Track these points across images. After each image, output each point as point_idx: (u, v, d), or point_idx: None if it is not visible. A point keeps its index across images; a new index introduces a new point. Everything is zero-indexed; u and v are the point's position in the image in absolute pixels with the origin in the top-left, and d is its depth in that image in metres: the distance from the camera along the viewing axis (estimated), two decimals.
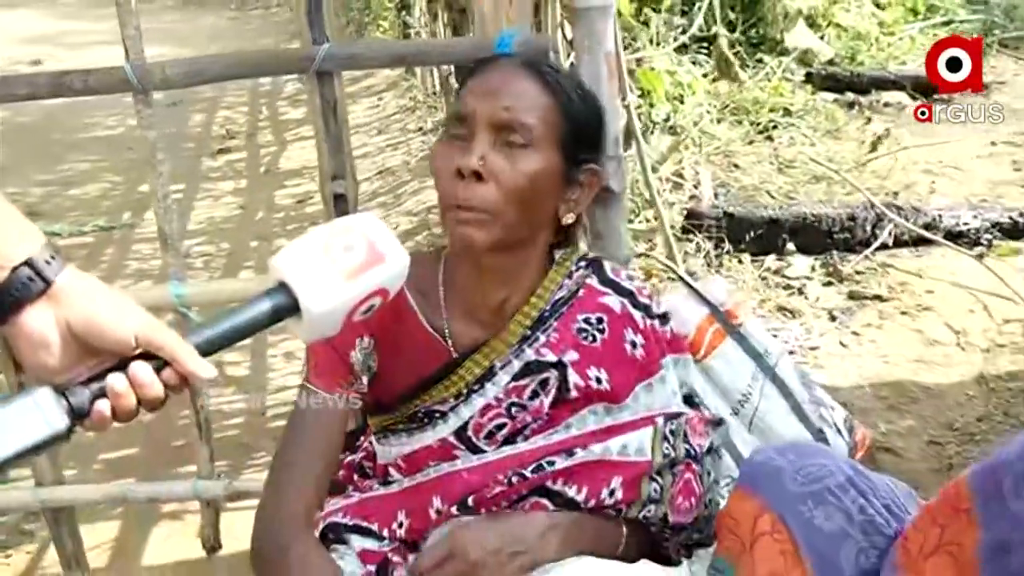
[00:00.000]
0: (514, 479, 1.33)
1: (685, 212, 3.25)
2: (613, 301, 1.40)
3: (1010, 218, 3.15)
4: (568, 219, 1.37)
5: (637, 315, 1.41)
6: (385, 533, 1.37)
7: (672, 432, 1.37)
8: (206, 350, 0.93)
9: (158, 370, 0.89)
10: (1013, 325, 2.61)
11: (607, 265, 1.46)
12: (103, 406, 0.87)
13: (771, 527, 1.19)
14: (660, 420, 1.37)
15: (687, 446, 1.38)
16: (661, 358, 1.41)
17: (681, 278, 1.92)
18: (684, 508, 1.36)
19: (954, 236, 3.11)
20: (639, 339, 1.39)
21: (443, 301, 1.39)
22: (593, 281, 1.42)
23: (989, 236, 3.10)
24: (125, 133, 5.69)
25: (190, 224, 4.39)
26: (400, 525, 1.36)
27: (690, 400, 1.46)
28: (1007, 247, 3.05)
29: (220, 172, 5.22)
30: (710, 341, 1.74)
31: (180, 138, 5.63)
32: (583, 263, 1.43)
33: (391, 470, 1.40)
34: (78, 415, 0.86)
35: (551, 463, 1.33)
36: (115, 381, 0.87)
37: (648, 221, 3.16)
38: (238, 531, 2.10)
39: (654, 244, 3.00)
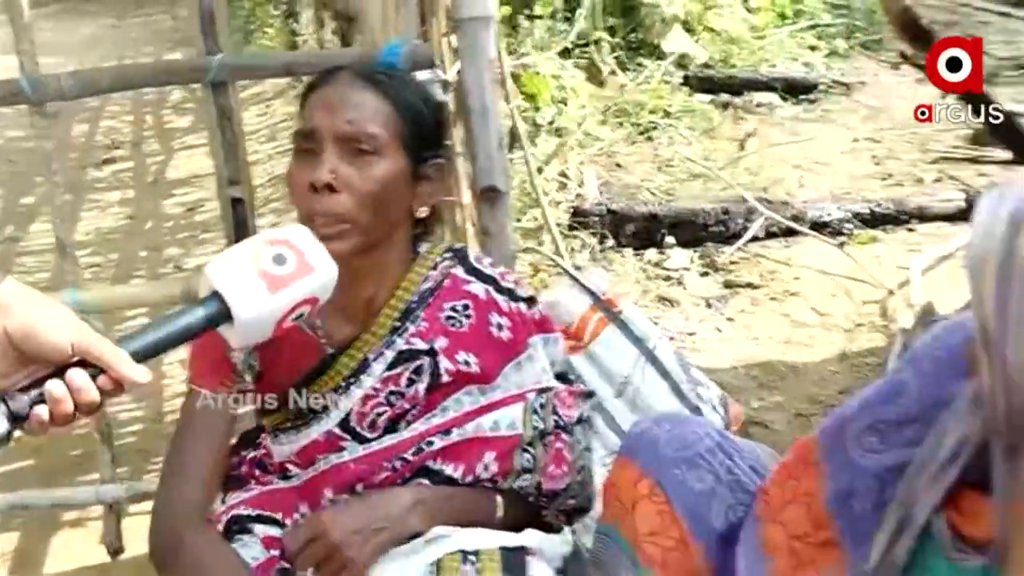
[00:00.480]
0: (397, 464, 1.40)
1: (571, 210, 3.39)
2: (477, 288, 1.47)
3: (869, 209, 3.39)
4: (422, 212, 1.44)
5: (501, 299, 1.48)
6: (287, 522, 1.42)
7: (542, 405, 1.46)
8: (142, 356, 0.97)
9: (94, 376, 0.93)
10: (871, 306, 2.83)
11: (471, 254, 1.53)
12: (41, 411, 0.91)
13: (649, 490, 1.29)
14: (531, 395, 1.46)
15: (556, 418, 1.46)
16: (528, 338, 1.49)
17: (564, 270, 2.05)
18: (556, 475, 1.45)
19: (819, 226, 3.33)
20: (504, 321, 1.47)
21: None
22: (458, 271, 1.48)
23: (850, 226, 3.33)
24: (4, 145, 5.55)
25: (77, 235, 4.32)
26: (303, 516, 1.42)
27: (564, 377, 1.55)
28: (866, 235, 3.29)
29: (106, 182, 5.14)
30: (593, 329, 1.85)
31: (63, 149, 5.51)
32: (448, 254, 1.50)
33: (288, 465, 1.46)
34: (17, 419, 0.90)
35: (430, 443, 1.41)
36: (53, 387, 0.91)
37: (536, 219, 3.28)
38: (141, 534, 2.12)
39: (542, 241, 3.12)
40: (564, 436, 1.47)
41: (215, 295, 1.01)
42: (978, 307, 0.94)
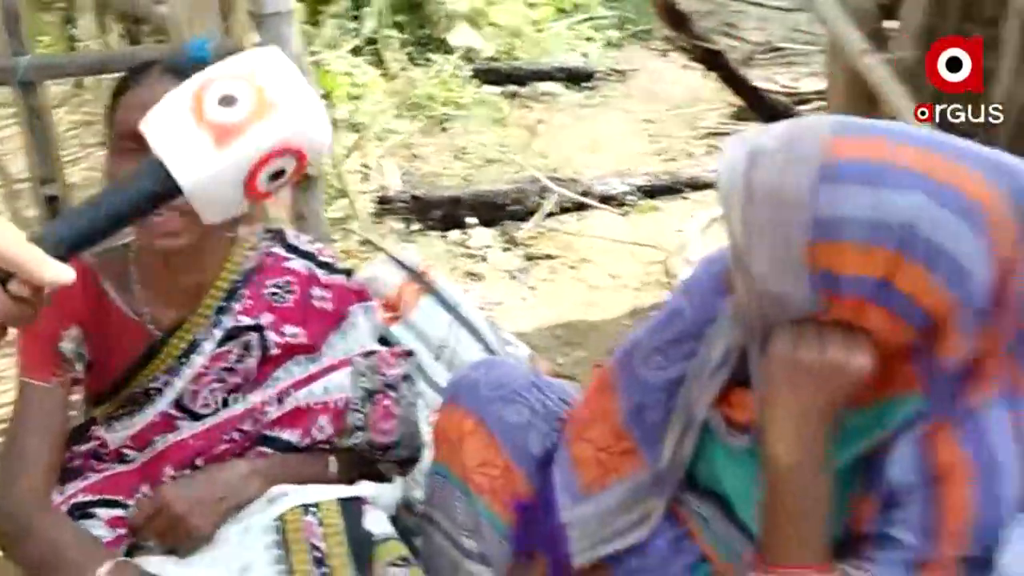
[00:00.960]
0: (235, 435, 1.48)
1: (377, 199, 3.52)
2: (297, 264, 1.55)
3: (648, 182, 3.69)
4: None
5: (320, 273, 1.57)
6: (130, 503, 1.46)
7: (368, 368, 1.56)
8: (69, 248, 0.78)
9: (3, 282, 0.77)
10: (655, 266, 3.10)
11: (289, 234, 1.61)
12: None
13: (474, 428, 1.44)
14: (357, 359, 1.56)
15: (381, 377, 1.56)
16: (349, 307, 1.59)
17: (380, 248, 2.19)
18: (386, 430, 1.55)
19: (606, 200, 3.59)
20: (325, 293, 1.56)
21: (140, 290, 1.48)
22: (277, 249, 1.56)
23: (633, 197, 3.61)
24: None
25: None
26: (145, 495, 1.46)
27: (385, 341, 1.66)
28: (647, 205, 3.59)
29: None
30: (409, 299, 2.00)
31: None
32: (267, 235, 1.58)
33: (125, 450, 1.49)
34: None
35: (265, 413, 1.49)
36: None
37: (342, 210, 3.39)
38: None
39: (350, 229, 3.25)
40: (391, 393, 1.57)
41: (157, 159, 0.79)
42: (729, 232, 1.16)
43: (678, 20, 3.11)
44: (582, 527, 1.37)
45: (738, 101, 4.14)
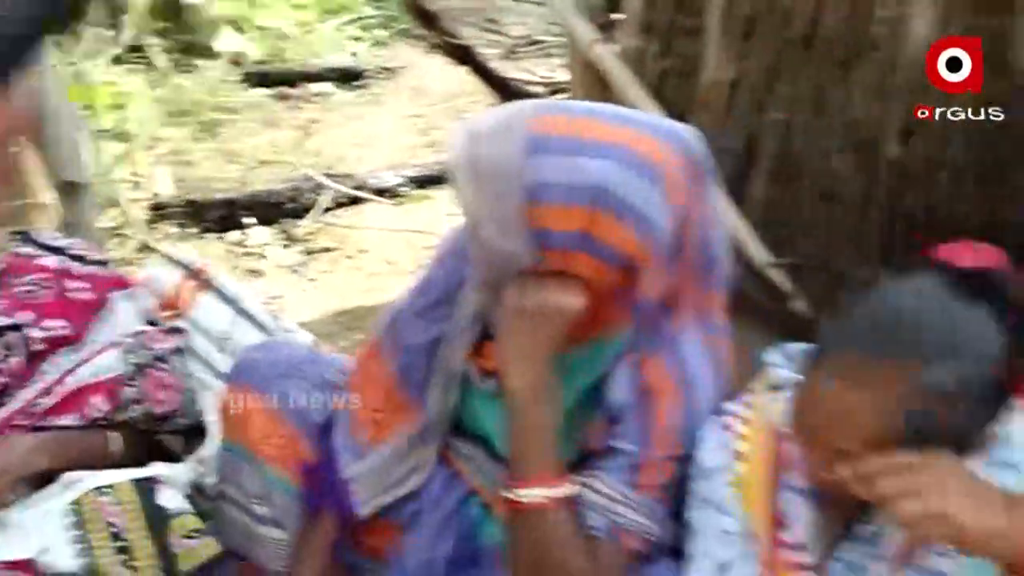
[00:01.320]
0: (9, 432, 1.52)
1: (151, 206, 3.51)
2: (49, 260, 1.62)
3: (420, 173, 3.86)
4: None
5: (74, 265, 1.64)
6: None
7: (137, 345, 1.63)
8: None
9: None
10: (428, 251, 3.26)
11: (37, 233, 1.67)
12: None
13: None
14: (125, 339, 1.63)
15: (151, 352, 1.64)
16: (107, 293, 1.66)
17: (155, 249, 2.24)
18: (163, 400, 1.63)
19: (380, 192, 3.74)
20: (81, 284, 1.63)
21: None
22: (26, 249, 1.62)
23: (406, 188, 3.78)
24: None
25: None
26: None
27: (153, 323, 1.73)
28: (419, 194, 3.77)
29: None
30: (189, 297, 2.06)
31: None
32: (13, 237, 1.63)
33: None
34: None
35: (36, 405, 1.55)
36: None
37: (114, 219, 3.36)
38: None
39: (125, 235, 3.24)
40: (162, 365, 1.65)
41: None
42: (462, 202, 1.33)
43: (428, 18, 3.30)
44: (363, 481, 1.51)
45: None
